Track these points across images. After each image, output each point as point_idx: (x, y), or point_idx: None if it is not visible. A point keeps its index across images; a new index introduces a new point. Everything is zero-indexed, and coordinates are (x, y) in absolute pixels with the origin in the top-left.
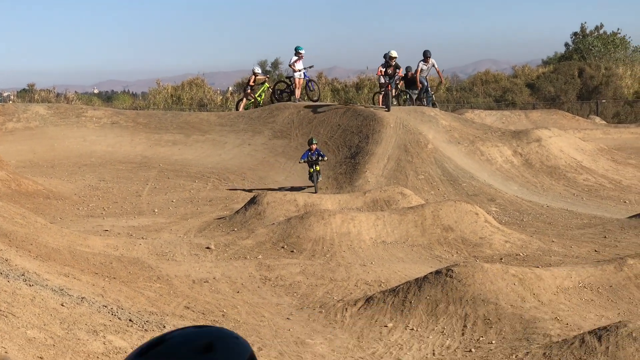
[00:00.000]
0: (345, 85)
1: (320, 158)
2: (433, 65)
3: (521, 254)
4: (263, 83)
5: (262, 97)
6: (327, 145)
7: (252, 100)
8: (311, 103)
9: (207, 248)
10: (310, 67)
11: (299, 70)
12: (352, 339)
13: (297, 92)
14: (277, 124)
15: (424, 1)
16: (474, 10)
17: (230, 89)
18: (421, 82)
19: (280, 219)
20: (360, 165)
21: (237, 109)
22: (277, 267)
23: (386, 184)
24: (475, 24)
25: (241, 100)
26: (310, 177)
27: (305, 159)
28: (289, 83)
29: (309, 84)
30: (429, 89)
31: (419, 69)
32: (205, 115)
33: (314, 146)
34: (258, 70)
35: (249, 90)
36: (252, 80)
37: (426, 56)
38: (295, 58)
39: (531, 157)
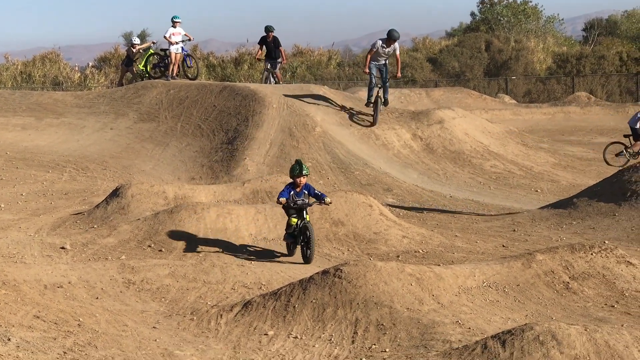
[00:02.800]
0: (223, 61)
1: (314, 201)
2: (394, 51)
3: (420, 251)
4: (147, 49)
5: (149, 67)
6: (201, 129)
7: (139, 73)
8: (186, 81)
9: (62, 248)
10: (188, 39)
11: (176, 44)
12: (228, 350)
13: (174, 69)
14: (143, 105)
15: None
16: None
17: (90, 64)
18: (371, 70)
19: (147, 214)
20: (238, 152)
21: (120, 84)
22: (143, 268)
23: (268, 173)
24: None
25: (121, 77)
26: (291, 236)
27: (287, 199)
28: (164, 56)
29: (187, 59)
30: (387, 81)
31: (374, 49)
32: (60, 96)
33: (303, 179)
34: (137, 41)
35: (131, 67)
36: (132, 53)
37: (391, 37)
38: (171, 29)
39: (432, 141)
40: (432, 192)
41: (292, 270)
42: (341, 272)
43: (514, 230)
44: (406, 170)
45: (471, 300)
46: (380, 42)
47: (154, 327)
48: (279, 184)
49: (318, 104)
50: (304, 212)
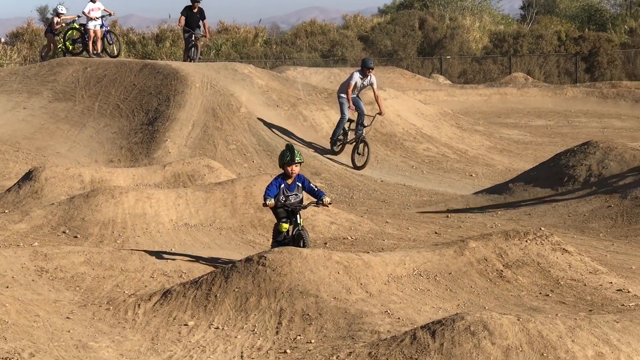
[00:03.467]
0: (143, 37)
1: (311, 203)
2: (371, 85)
3: (349, 238)
4: (72, 22)
5: (69, 42)
6: (120, 109)
7: (61, 46)
8: (105, 58)
9: None
10: (109, 14)
11: (95, 19)
12: (145, 341)
13: (98, 45)
14: (58, 84)
15: None
16: None
17: (2, 40)
18: (350, 105)
19: (62, 198)
20: (159, 133)
21: (42, 59)
22: (57, 256)
23: (190, 156)
24: None
25: (46, 48)
26: (281, 245)
27: (272, 197)
28: (84, 32)
29: (108, 35)
30: (363, 117)
31: (352, 83)
32: None
33: (296, 168)
34: (63, 10)
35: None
36: (56, 23)
37: (366, 66)
38: (90, 4)
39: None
40: (362, 176)
41: (216, 256)
42: (265, 259)
43: (448, 217)
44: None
45: (401, 289)
46: (358, 74)
47: (67, 318)
48: (201, 167)
49: (243, 84)
50: (299, 215)
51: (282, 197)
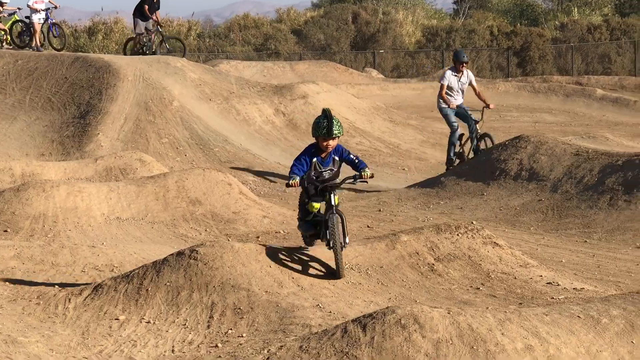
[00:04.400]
0: (76, 30)
1: (350, 179)
2: (470, 83)
3: (282, 231)
4: (14, 13)
5: (15, 35)
6: (51, 102)
7: (6, 36)
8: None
9: None
10: (54, 7)
11: (39, 12)
12: (76, 335)
13: (36, 39)
14: None
15: None
16: None
17: None
18: (448, 111)
19: None
20: (91, 127)
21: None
22: None
23: (122, 149)
24: None
25: None
26: (310, 225)
27: (298, 176)
28: (28, 24)
29: (53, 28)
30: (472, 120)
31: (444, 83)
32: None
33: (333, 142)
34: (7, 0)
35: None
36: None
37: (459, 60)
38: None
39: (296, 116)
40: None
41: (146, 252)
42: (197, 253)
43: (380, 210)
44: (268, 147)
45: (332, 282)
46: (450, 72)
47: None
48: (133, 160)
49: (176, 77)
50: (333, 193)
51: (313, 174)
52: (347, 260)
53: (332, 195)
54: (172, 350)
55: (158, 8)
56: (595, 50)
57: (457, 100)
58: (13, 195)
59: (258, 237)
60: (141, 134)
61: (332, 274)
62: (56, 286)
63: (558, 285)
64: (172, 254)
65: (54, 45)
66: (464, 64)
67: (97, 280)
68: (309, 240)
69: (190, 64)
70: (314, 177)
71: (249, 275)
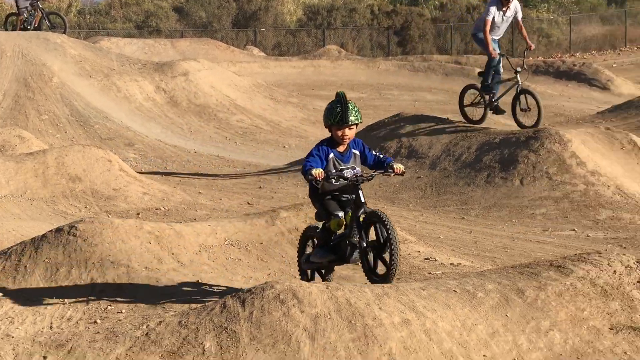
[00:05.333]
0: None
1: (373, 174)
2: (515, 16)
3: (162, 208)
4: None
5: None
6: None
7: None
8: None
9: None
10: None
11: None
12: None
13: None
14: None
15: None
16: None
17: None
18: (490, 49)
19: None
20: None
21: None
22: None
23: (1, 126)
24: None
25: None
26: (325, 252)
27: (312, 166)
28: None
29: (48, 17)
30: (499, 66)
31: (488, 18)
32: None
33: (350, 131)
34: None
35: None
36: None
37: None
38: None
39: (177, 94)
40: (176, 147)
41: (24, 229)
42: (76, 229)
43: (260, 187)
44: (149, 124)
45: (212, 258)
46: (495, 7)
47: None
48: (12, 137)
49: (56, 53)
50: (359, 191)
51: (332, 175)
52: (226, 236)
53: (360, 192)
54: (51, 327)
55: None
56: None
57: (497, 34)
58: None
59: (138, 214)
60: (20, 110)
61: None
62: None
63: (435, 260)
64: (50, 231)
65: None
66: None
67: None
68: (313, 273)
69: (71, 40)
70: (333, 178)
71: (128, 251)
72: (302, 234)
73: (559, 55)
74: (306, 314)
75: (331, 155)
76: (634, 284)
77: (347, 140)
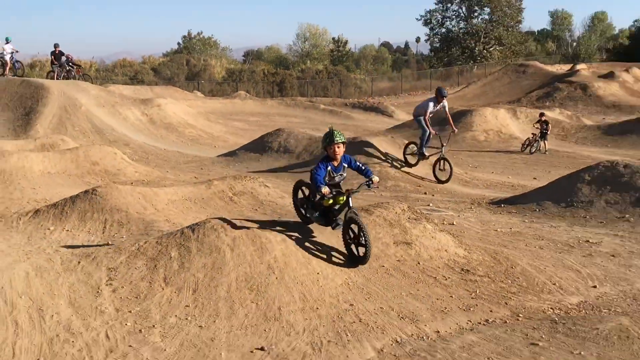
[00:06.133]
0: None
1: (361, 186)
2: (444, 107)
3: (145, 180)
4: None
5: None
6: (8, 106)
7: None
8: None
9: None
10: (17, 51)
11: (10, 53)
12: (24, 239)
13: (6, 70)
14: None
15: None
16: (112, 15)
17: None
18: (429, 129)
19: None
20: (32, 121)
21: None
22: None
23: (51, 134)
24: (113, 25)
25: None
26: (321, 215)
27: (324, 185)
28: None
29: (16, 63)
30: (442, 143)
31: (429, 110)
32: None
33: (339, 148)
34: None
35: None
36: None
37: (441, 95)
38: (5, 44)
39: (154, 117)
40: (154, 146)
41: (65, 192)
42: (96, 191)
43: (202, 168)
44: (137, 134)
45: (175, 207)
46: (432, 103)
47: None
48: (57, 140)
49: (83, 93)
50: (350, 197)
51: (327, 178)
52: (183, 195)
53: (349, 198)
54: (82, 245)
55: (60, 57)
56: (319, 83)
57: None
58: None
59: (132, 183)
60: (62, 125)
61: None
62: (12, 211)
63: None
64: (81, 192)
65: (19, 74)
66: (443, 97)
67: (37, 207)
68: (309, 221)
69: (92, 85)
70: (327, 182)
71: (127, 203)
72: (294, 185)
73: (366, 97)
74: (228, 236)
75: (328, 168)
76: (406, 219)
77: (338, 155)
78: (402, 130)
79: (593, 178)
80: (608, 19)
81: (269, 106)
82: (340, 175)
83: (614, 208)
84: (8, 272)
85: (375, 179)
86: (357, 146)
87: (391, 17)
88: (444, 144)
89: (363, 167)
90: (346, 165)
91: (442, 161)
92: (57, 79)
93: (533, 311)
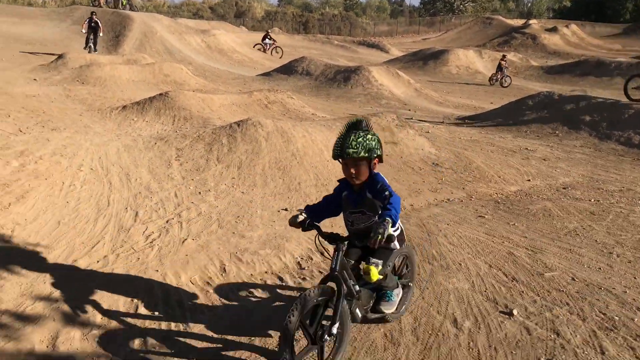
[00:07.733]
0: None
1: (382, 219)
2: None
3: (203, 89)
4: None
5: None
6: (105, 31)
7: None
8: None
9: (34, 80)
10: None
11: None
12: (114, 125)
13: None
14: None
15: None
16: None
17: None
18: None
19: (77, 67)
20: (120, 42)
21: (97, 4)
22: (75, 90)
23: (134, 52)
24: None
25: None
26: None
27: (304, 213)
28: None
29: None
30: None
31: None
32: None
33: (353, 168)
34: None
35: None
36: None
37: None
38: None
39: (210, 44)
40: (211, 66)
41: (145, 94)
42: (168, 94)
43: (245, 83)
44: (198, 56)
45: (226, 109)
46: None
47: (80, 115)
48: (140, 57)
49: (157, 22)
50: (367, 256)
51: (345, 216)
52: (231, 101)
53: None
54: (157, 133)
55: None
56: (334, 24)
57: None
58: (86, 68)
59: (194, 91)
60: (142, 46)
61: None
62: (106, 105)
63: (313, 114)
64: (157, 94)
65: (112, 5)
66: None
67: (124, 105)
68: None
69: (165, 17)
70: (349, 222)
71: (190, 104)
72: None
73: (369, 37)
74: (264, 130)
75: (344, 193)
76: (394, 125)
77: (355, 179)
78: (395, 63)
79: (534, 103)
80: None
81: (295, 40)
82: (361, 213)
83: (548, 126)
84: (104, 147)
85: (371, 242)
86: (359, 70)
87: None
88: None
89: (385, 202)
90: (371, 197)
91: None
92: (103, 6)
93: (482, 194)
